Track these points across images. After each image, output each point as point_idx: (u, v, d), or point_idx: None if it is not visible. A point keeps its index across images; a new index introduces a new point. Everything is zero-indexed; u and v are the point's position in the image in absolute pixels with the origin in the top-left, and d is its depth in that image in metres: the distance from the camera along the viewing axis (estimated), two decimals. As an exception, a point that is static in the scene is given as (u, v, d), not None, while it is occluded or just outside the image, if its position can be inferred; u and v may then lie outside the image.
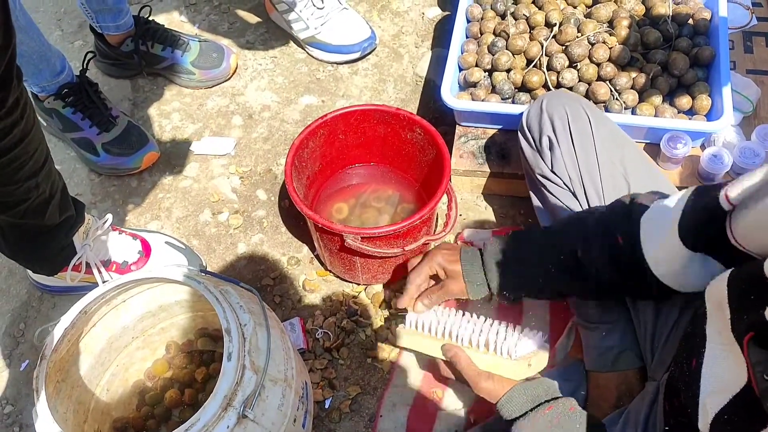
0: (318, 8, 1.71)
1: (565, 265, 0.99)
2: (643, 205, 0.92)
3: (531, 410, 0.90)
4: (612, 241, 0.93)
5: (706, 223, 0.82)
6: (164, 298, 1.17)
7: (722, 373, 0.72)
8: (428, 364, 1.26)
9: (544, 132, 1.17)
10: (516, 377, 0.95)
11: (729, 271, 0.75)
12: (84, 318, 1.04)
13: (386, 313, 1.35)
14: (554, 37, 1.44)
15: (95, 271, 1.31)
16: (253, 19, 1.89)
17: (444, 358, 1.03)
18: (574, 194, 1.14)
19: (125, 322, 1.16)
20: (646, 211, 0.91)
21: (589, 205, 1.12)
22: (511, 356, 0.96)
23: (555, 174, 1.16)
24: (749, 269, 0.71)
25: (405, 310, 1.13)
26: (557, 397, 0.91)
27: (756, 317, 0.65)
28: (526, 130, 1.21)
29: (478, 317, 1.07)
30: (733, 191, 0.78)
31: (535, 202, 1.23)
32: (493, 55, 1.46)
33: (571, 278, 0.99)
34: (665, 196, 0.92)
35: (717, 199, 0.80)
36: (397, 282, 1.36)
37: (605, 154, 1.12)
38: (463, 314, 1.08)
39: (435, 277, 1.13)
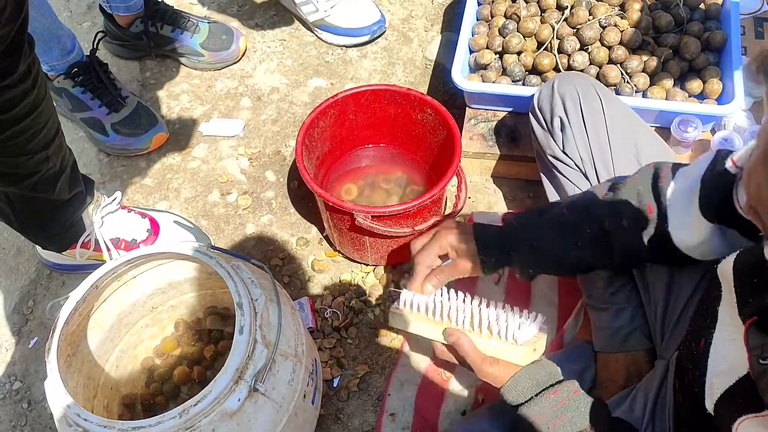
0: (328, -9, 1.71)
1: (590, 237, 0.94)
2: (667, 176, 0.89)
3: (536, 395, 0.89)
4: (643, 209, 0.90)
5: (721, 192, 0.80)
6: (174, 275, 1.18)
7: (729, 355, 0.72)
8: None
9: (555, 113, 1.16)
10: (521, 362, 0.92)
11: (735, 253, 0.75)
12: (95, 293, 1.05)
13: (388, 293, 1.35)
14: (565, 19, 1.44)
15: (104, 248, 1.31)
16: (262, 1, 1.88)
17: (443, 342, 0.98)
18: (585, 175, 1.14)
19: (135, 298, 1.17)
20: (671, 183, 0.88)
21: (600, 186, 1.12)
22: (516, 341, 0.93)
23: (566, 155, 1.16)
24: (752, 251, 0.70)
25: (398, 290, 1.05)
26: (561, 381, 0.90)
27: (761, 302, 0.65)
28: (537, 110, 1.21)
29: (473, 297, 1.01)
30: (738, 153, 0.77)
31: (546, 183, 1.23)
32: (504, 37, 1.46)
33: (595, 250, 0.95)
34: (686, 165, 0.89)
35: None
36: (403, 263, 1.36)
37: (617, 135, 1.12)
38: (457, 294, 1.01)
39: (443, 257, 1.07)
